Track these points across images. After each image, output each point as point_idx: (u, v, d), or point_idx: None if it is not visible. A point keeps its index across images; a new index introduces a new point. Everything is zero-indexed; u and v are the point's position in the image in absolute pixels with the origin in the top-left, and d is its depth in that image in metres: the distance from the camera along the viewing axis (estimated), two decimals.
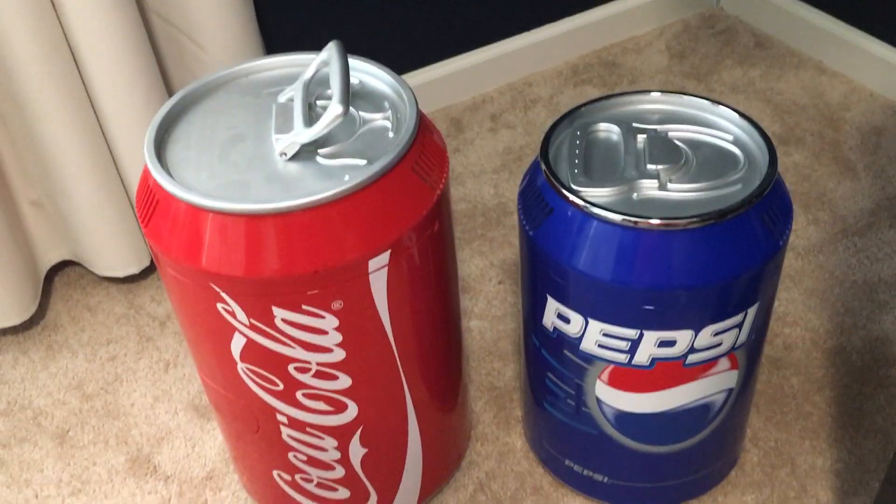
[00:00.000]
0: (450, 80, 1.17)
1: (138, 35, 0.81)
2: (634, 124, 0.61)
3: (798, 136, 1.07)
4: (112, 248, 0.90)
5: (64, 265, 0.98)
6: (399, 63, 1.14)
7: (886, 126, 1.07)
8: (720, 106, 0.61)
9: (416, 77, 1.15)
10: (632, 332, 0.58)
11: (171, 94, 0.85)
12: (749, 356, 0.62)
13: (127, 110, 0.82)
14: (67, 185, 0.85)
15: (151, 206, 0.55)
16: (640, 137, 0.60)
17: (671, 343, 0.58)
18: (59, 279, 0.97)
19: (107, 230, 0.89)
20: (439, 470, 0.72)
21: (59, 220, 0.90)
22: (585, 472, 0.69)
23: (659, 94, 0.62)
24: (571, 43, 1.24)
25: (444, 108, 1.18)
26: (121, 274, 0.92)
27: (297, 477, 0.66)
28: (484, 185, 1.04)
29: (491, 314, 0.89)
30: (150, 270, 0.95)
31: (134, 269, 0.93)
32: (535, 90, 1.19)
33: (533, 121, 1.14)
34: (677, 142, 0.60)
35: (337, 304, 0.54)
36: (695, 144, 0.60)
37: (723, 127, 0.61)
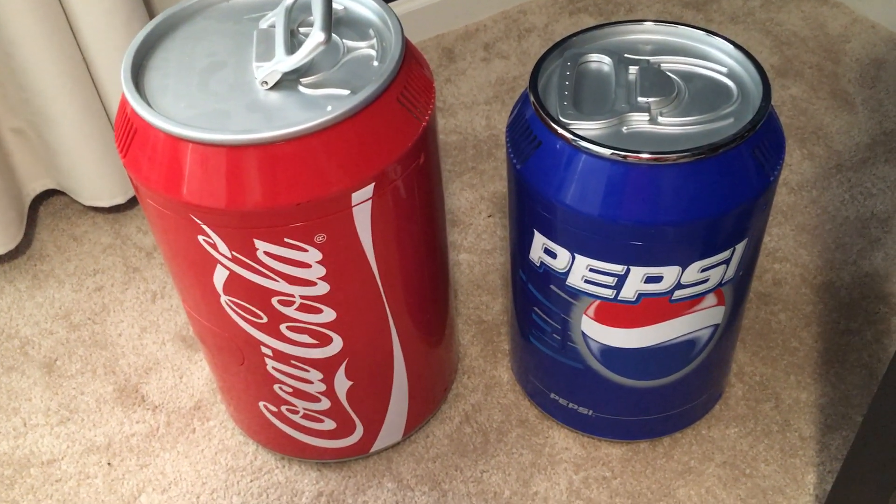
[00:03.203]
0: (442, 7, 1.14)
1: None
2: (626, 55, 0.60)
3: (797, 69, 1.05)
4: (97, 177, 0.89)
5: (49, 194, 0.96)
6: None
7: (887, 59, 1.05)
8: (715, 37, 0.59)
9: (408, 4, 1.12)
10: (619, 268, 0.57)
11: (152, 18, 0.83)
12: (736, 292, 0.62)
13: (107, 35, 0.80)
14: (49, 113, 0.83)
15: (129, 135, 0.53)
16: (632, 69, 0.59)
17: (658, 279, 0.57)
18: (44, 208, 0.96)
19: (91, 159, 0.88)
20: (425, 402, 0.72)
21: (43, 149, 0.88)
22: (571, 406, 0.70)
23: (652, 23, 0.61)
24: None
25: (436, 36, 1.15)
26: (106, 204, 0.91)
27: (283, 408, 0.66)
28: (476, 117, 1.03)
29: (480, 248, 0.88)
30: (136, 201, 0.94)
31: (120, 199, 0.91)
32: (530, 18, 1.16)
33: (527, 50, 1.11)
34: (670, 74, 0.58)
35: (320, 238, 0.54)
36: (688, 76, 0.58)
37: (717, 59, 0.59)
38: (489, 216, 0.91)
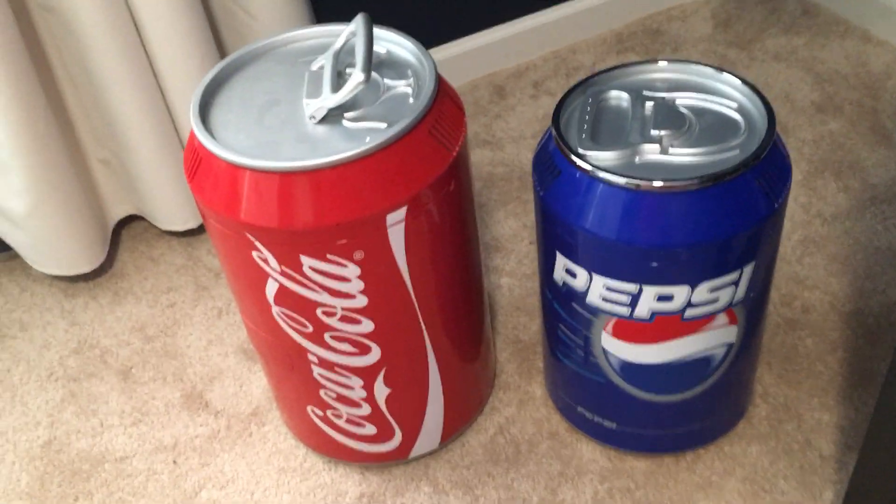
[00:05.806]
0: (495, 47, 1.21)
1: (195, 8, 0.87)
2: (644, 92, 0.65)
3: (836, 105, 1.08)
4: (172, 204, 0.98)
5: (130, 219, 1.06)
6: (448, 31, 1.18)
7: None
8: (724, 73, 0.64)
9: (463, 44, 1.19)
10: (632, 287, 0.62)
11: None
12: (749, 313, 0.66)
13: (184, 77, 0.89)
14: (132, 145, 0.92)
15: (196, 163, 0.61)
16: (648, 104, 0.64)
17: (669, 298, 0.62)
18: (125, 232, 1.05)
19: (167, 187, 0.96)
20: (461, 413, 0.77)
21: (125, 178, 0.98)
22: (596, 419, 0.74)
23: (666, 62, 0.66)
24: (617, 10, 1.26)
25: (489, 74, 1.22)
26: (180, 228, 1.00)
27: (329, 413, 0.72)
28: (522, 150, 1.09)
29: (520, 272, 0.94)
30: None
31: (192, 224, 1.00)
32: (579, 57, 1.22)
33: None
34: (683, 109, 0.63)
35: (359, 254, 0.60)
36: (699, 111, 0.63)
37: (727, 94, 0.64)
38: (531, 243, 0.97)
